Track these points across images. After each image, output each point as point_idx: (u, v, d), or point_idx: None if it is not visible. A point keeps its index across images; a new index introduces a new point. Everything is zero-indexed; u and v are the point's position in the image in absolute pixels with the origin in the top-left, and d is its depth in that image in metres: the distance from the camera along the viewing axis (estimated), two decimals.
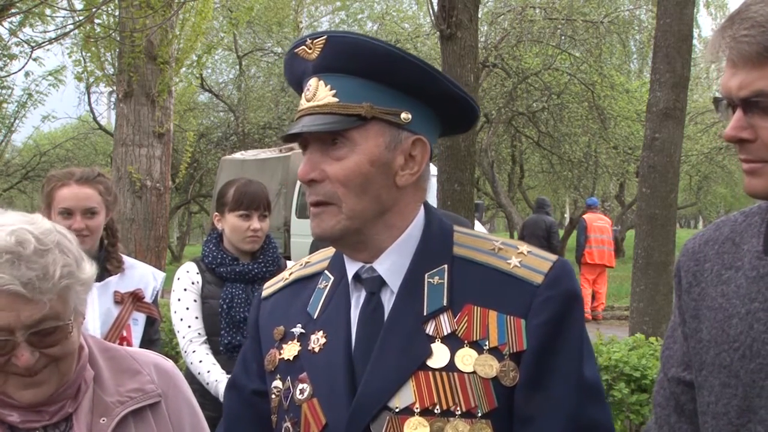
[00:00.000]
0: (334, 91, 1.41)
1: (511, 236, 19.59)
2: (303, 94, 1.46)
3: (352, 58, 1.40)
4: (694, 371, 1.42)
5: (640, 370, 4.92)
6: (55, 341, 1.47)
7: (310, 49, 1.43)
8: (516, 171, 23.25)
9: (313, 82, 1.43)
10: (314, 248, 4.01)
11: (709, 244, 1.45)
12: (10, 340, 1.43)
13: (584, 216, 14.04)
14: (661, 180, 6.71)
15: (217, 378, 3.05)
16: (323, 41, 1.42)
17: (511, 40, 17.50)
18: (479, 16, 8.26)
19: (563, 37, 18.13)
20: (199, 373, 3.09)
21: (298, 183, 14.46)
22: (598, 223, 13.66)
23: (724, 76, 1.31)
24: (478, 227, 11.74)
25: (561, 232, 17.68)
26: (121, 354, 1.67)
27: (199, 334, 3.17)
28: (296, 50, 1.46)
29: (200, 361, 3.11)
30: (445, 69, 6.67)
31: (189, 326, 3.18)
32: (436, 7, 6.95)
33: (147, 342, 2.96)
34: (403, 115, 1.42)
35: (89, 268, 1.55)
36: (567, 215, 29.88)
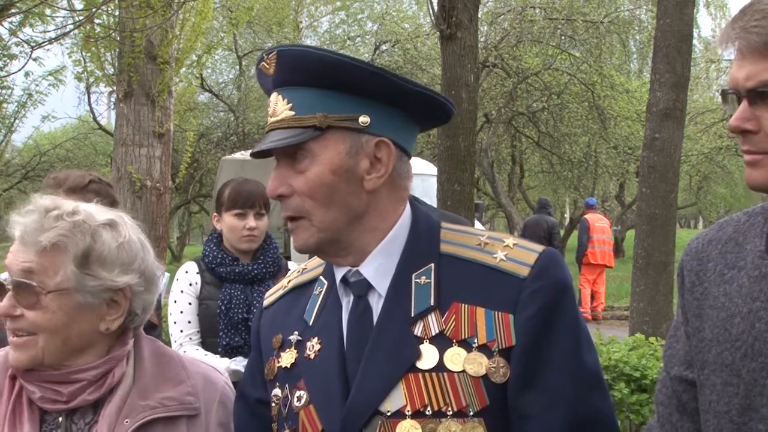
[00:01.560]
0: (290, 105, 1.42)
1: None
2: (268, 110, 1.47)
3: (302, 70, 1.40)
4: (696, 370, 1.42)
5: (640, 370, 4.93)
6: (29, 304, 1.51)
7: (268, 64, 1.44)
8: (516, 171, 23.24)
9: (273, 98, 1.45)
10: None
11: (713, 244, 1.45)
12: (4, 284, 1.52)
13: (586, 216, 14.07)
14: (661, 180, 6.71)
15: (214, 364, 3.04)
16: (275, 57, 1.43)
17: (511, 40, 17.50)
18: (479, 16, 8.26)
19: (563, 37, 18.13)
20: None
21: None
22: (600, 223, 13.72)
23: (732, 68, 1.32)
24: (478, 227, 11.69)
25: (561, 232, 17.68)
26: (174, 361, 1.68)
27: (190, 338, 3.16)
28: (259, 67, 1.47)
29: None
30: (445, 69, 6.67)
31: (181, 330, 3.17)
32: (436, 7, 6.94)
33: None
34: (362, 119, 1.41)
35: (125, 277, 1.58)
36: (567, 215, 29.87)
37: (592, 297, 13.59)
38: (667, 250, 6.77)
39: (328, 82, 1.40)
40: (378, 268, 1.44)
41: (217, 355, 3.10)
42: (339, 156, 1.40)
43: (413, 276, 1.42)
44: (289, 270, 3.29)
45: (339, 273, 1.47)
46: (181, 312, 3.18)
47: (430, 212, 1.53)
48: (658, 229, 6.74)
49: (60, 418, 1.55)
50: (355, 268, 1.45)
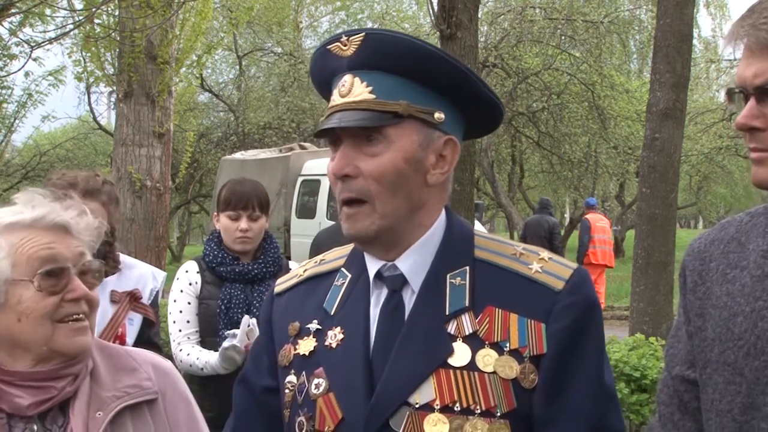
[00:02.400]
0: (370, 88, 1.42)
1: (512, 236, 19.59)
2: (336, 90, 1.46)
3: (391, 57, 1.41)
4: (698, 369, 1.43)
5: (640, 370, 4.93)
6: (93, 282, 1.57)
7: (345, 45, 1.44)
8: (516, 171, 23.24)
9: (348, 78, 1.44)
10: (314, 249, 4.00)
11: (715, 244, 1.46)
12: (68, 269, 1.53)
13: (587, 216, 14.08)
14: (661, 180, 6.71)
15: (207, 360, 3.05)
16: (361, 38, 1.43)
17: (511, 40, 17.52)
18: (479, 16, 8.26)
19: (563, 37, 18.14)
20: (190, 365, 3.07)
21: (298, 183, 14.48)
22: (600, 223, 13.74)
23: (740, 66, 1.32)
24: (478, 227, 11.67)
25: (561, 232, 17.68)
26: (119, 352, 1.69)
27: (188, 338, 3.16)
28: (329, 47, 1.46)
29: (188, 354, 3.10)
30: None
31: (179, 330, 3.17)
32: (436, 7, 6.94)
33: (146, 344, 2.93)
34: (437, 115, 1.43)
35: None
36: (567, 215, 29.87)
37: None
38: (667, 250, 6.77)
39: (412, 72, 1.41)
40: (413, 264, 1.45)
41: (211, 351, 3.10)
42: (413, 146, 1.42)
43: (448, 276, 1.44)
44: (290, 270, 3.28)
45: (374, 266, 1.48)
46: (180, 311, 3.18)
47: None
48: (658, 229, 6.74)
49: (35, 426, 1.54)
50: (390, 263, 1.47)
